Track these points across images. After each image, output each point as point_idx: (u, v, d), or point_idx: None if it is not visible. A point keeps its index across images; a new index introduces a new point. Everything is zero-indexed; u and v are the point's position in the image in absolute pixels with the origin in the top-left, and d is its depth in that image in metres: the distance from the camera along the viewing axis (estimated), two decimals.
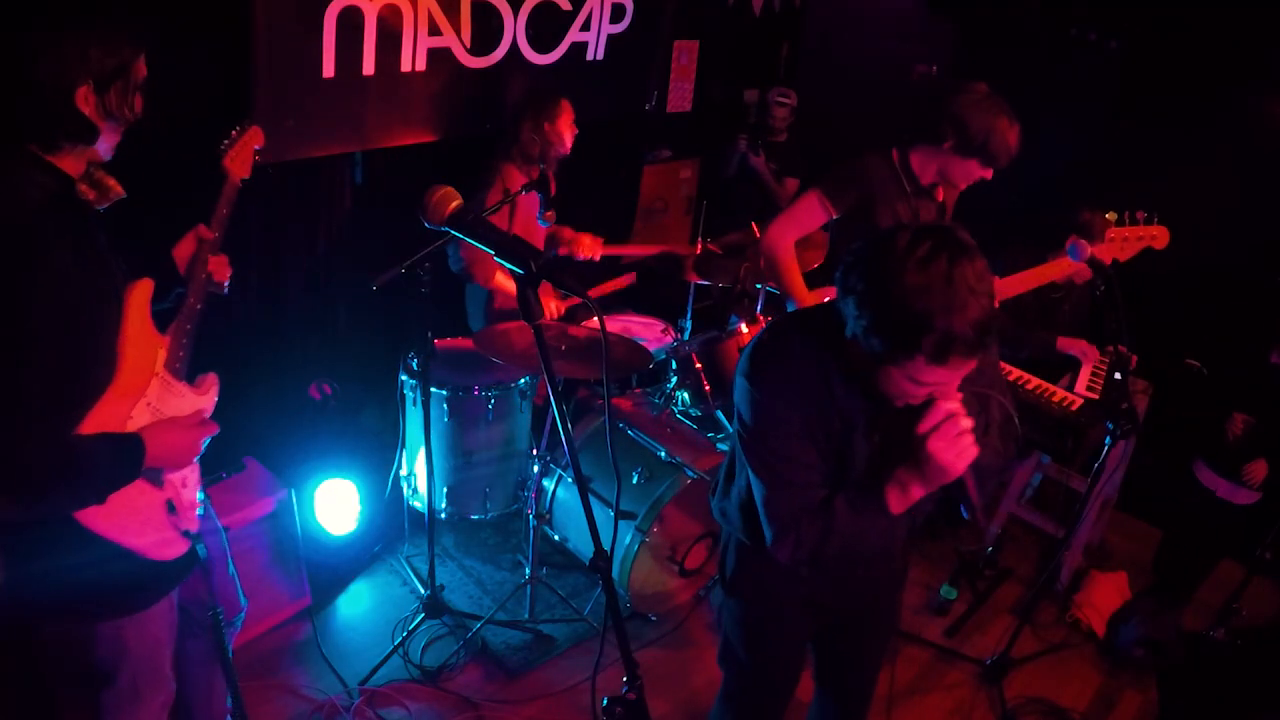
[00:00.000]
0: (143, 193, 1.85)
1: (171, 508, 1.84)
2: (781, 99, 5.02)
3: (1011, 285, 3.12)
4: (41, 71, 1.51)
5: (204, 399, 1.95)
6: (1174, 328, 4.07)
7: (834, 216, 2.95)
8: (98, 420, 1.67)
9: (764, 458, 1.80)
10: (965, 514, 1.75)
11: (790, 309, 3.05)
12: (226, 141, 2.16)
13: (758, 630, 2.22)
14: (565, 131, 3.45)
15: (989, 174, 2.89)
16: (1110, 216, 3.06)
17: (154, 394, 1.81)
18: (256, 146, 2.22)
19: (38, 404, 1.51)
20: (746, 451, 1.83)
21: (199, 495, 1.98)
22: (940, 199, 3.07)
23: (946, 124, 2.81)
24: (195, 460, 1.90)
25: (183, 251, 2.01)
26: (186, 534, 1.86)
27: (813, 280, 3.20)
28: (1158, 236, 3.04)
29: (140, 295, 1.77)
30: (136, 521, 1.78)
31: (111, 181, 1.72)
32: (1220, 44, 4.22)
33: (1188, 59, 4.31)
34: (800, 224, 3.01)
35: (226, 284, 2.10)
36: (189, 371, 1.93)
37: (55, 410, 1.56)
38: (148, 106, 1.70)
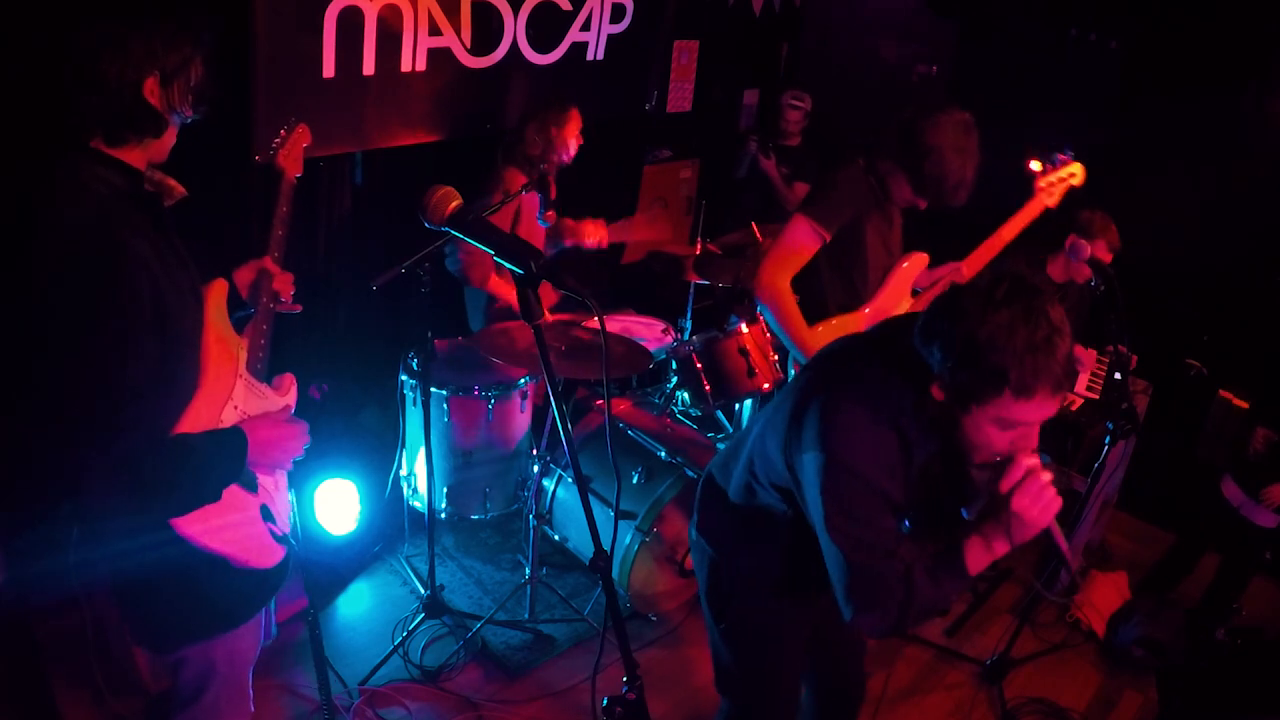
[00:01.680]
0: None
1: (266, 513, 1.80)
2: (795, 102, 4.92)
3: (976, 260, 3.04)
4: (106, 67, 1.50)
5: (285, 399, 1.94)
6: (1174, 328, 4.07)
7: (826, 241, 2.77)
8: (190, 423, 1.63)
9: (850, 531, 1.71)
10: (1058, 566, 1.79)
11: (786, 343, 2.88)
12: (277, 141, 2.19)
13: (760, 654, 2.18)
14: (571, 140, 3.44)
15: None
16: (1032, 167, 3.06)
17: (240, 397, 1.77)
18: (306, 144, 2.25)
19: (141, 395, 1.48)
20: (831, 527, 1.72)
21: (288, 500, 1.95)
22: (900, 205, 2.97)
23: (929, 187, 2.72)
24: (291, 464, 1.85)
25: (243, 278, 1.98)
26: (283, 540, 1.83)
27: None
28: (1075, 173, 3.06)
29: (218, 295, 1.77)
30: (236, 531, 1.73)
31: (171, 181, 1.72)
32: (1220, 44, 4.22)
33: (1187, 59, 4.31)
34: (793, 259, 2.78)
35: (293, 298, 2.07)
36: (268, 373, 1.92)
37: (159, 403, 1.54)
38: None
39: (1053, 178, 3.06)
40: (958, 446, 1.71)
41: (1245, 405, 3.82)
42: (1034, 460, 1.69)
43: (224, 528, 1.70)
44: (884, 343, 1.84)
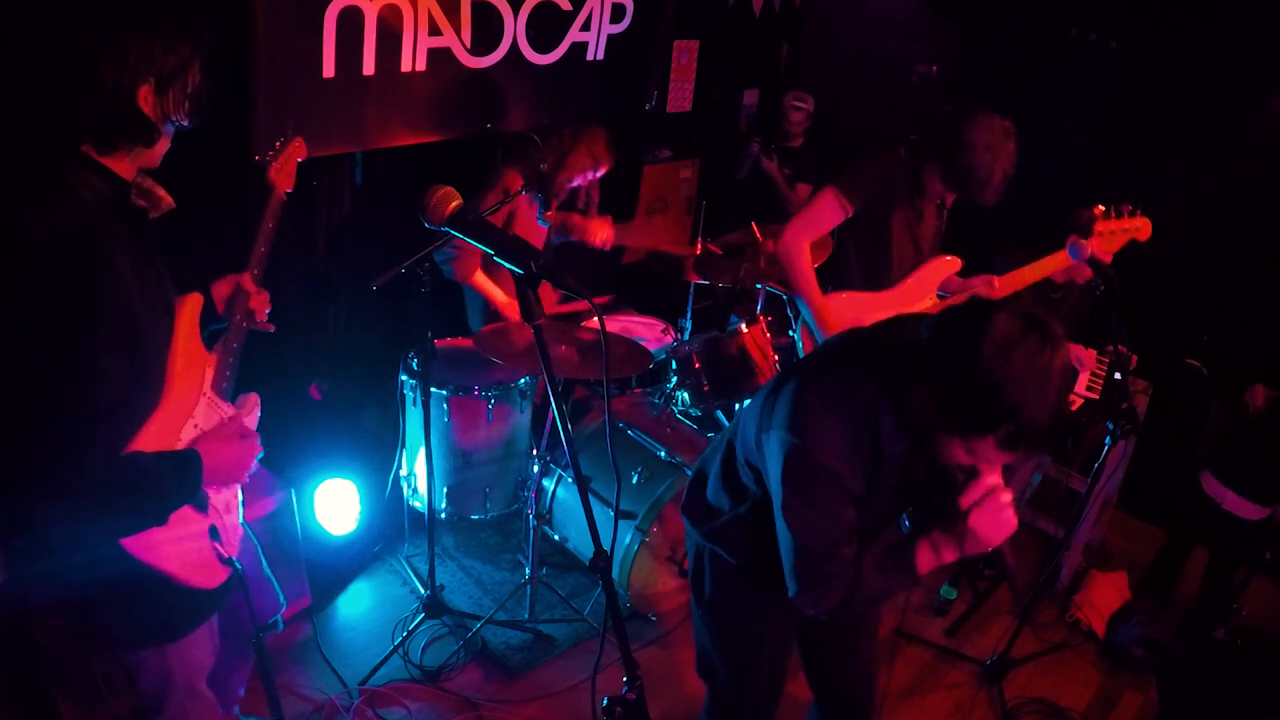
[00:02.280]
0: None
1: (214, 534, 1.77)
2: (798, 103, 4.91)
3: (1011, 283, 3.12)
4: (104, 70, 1.45)
5: (250, 418, 1.91)
6: (1174, 328, 4.07)
7: (850, 214, 2.94)
8: (148, 440, 1.60)
9: (803, 514, 1.75)
10: (1005, 576, 1.82)
11: (801, 306, 3.07)
12: (271, 153, 2.12)
13: (738, 643, 2.19)
14: (586, 173, 3.47)
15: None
16: (1098, 210, 3.06)
17: (200, 414, 1.74)
18: (300, 158, 2.18)
19: (106, 411, 1.44)
20: (785, 506, 1.76)
21: (240, 521, 1.92)
22: (939, 203, 3.11)
23: (958, 162, 2.81)
24: (246, 479, 1.82)
25: (220, 291, 1.95)
26: (228, 561, 1.79)
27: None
28: (1141, 228, 3.05)
29: (190, 311, 1.72)
30: (180, 548, 1.70)
31: (161, 191, 1.68)
32: (1220, 44, 4.22)
33: (1188, 59, 4.31)
34: (818, 225, 3.00)
35: (267, 319, 2.03)
36: (233, 392, 1.88)
37: (121, 418, 1.51)
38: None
39: (1115, 227, 3.02)
40: (926, 448, 1.72)
41: (1198, 364, 3.83)
42: (996, 479, 1.71)
43: (169, 545, 1.67)
44: (877, 340, 1.85)
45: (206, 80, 1.62)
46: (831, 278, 3.17)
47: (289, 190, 2.13)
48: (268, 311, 2.02)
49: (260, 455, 1.82)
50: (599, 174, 3.53)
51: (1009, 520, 1.73)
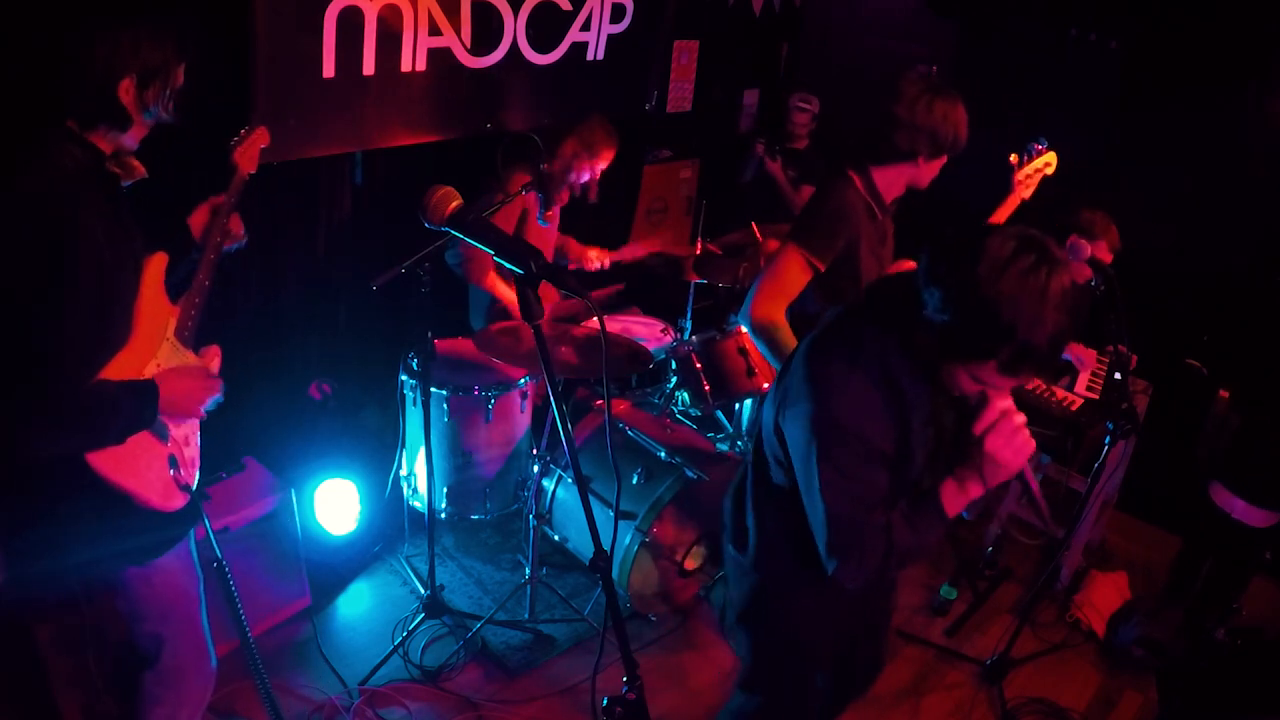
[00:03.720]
0: (155, 177, 1.96)
1: (173, 462, 1.95)
2: (803, 104, 4.90)
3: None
4: (97, 55, 1.65)
5: (208, 366, 2.11)
6: (1174, 328, 4.07)
7: (822, 271, 2.62)
8: (113, 373, 1.80)
9: (833, 480, 1.72)
10: (1029, 505, 1.79)
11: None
12: (236, 139, 2.31)
13: (794, 652, 2.17)
14: (597, 169, 3.45)
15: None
16: (1012, 160, 3.04)
17: (164, 356, 1.96)
18: (263, 145, 2.37)
19: (72, 348, 1.66)
20: (814, 478, 1.72)
21: (198, 453, 2.10)
22: (891, 211, 2.86)
23: (920, 137, 2.57)
24: (202, 412, 2.01)
25: (197, 220, 2.16)
26: (186, 488, 1.98)
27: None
28: (1050, 162, 3.05)
29: (156, 266, 1.93)
30: (142, 471, 1.89)
31: (135, 163, 1.88)
32: (1220, 44, 4.22)
33: (1188, 59, 4.31)
34: (786, 291, 2.63)
35: (244, 235, 2.25)
36: (195, 343, 2.08)
37: (86, 356, 1.71)
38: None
39: (1029, 169, 3.04)
40: (941, 388, 1.72)
41: (1198, 364, 3.80)
42: (1007, 402, 1.69)
43: (131, 467, 1.86)
44: (876, 300, 1.85)
45: (189, 83, 1.81)
46: (795, 308, 2.77)
47: (252, 172, 2.31)
48: (243, 229, 2.24)
49: (219, 398, 2.01)
50: (603, 164, 3.48)
51: (1026, 442, 1.69)
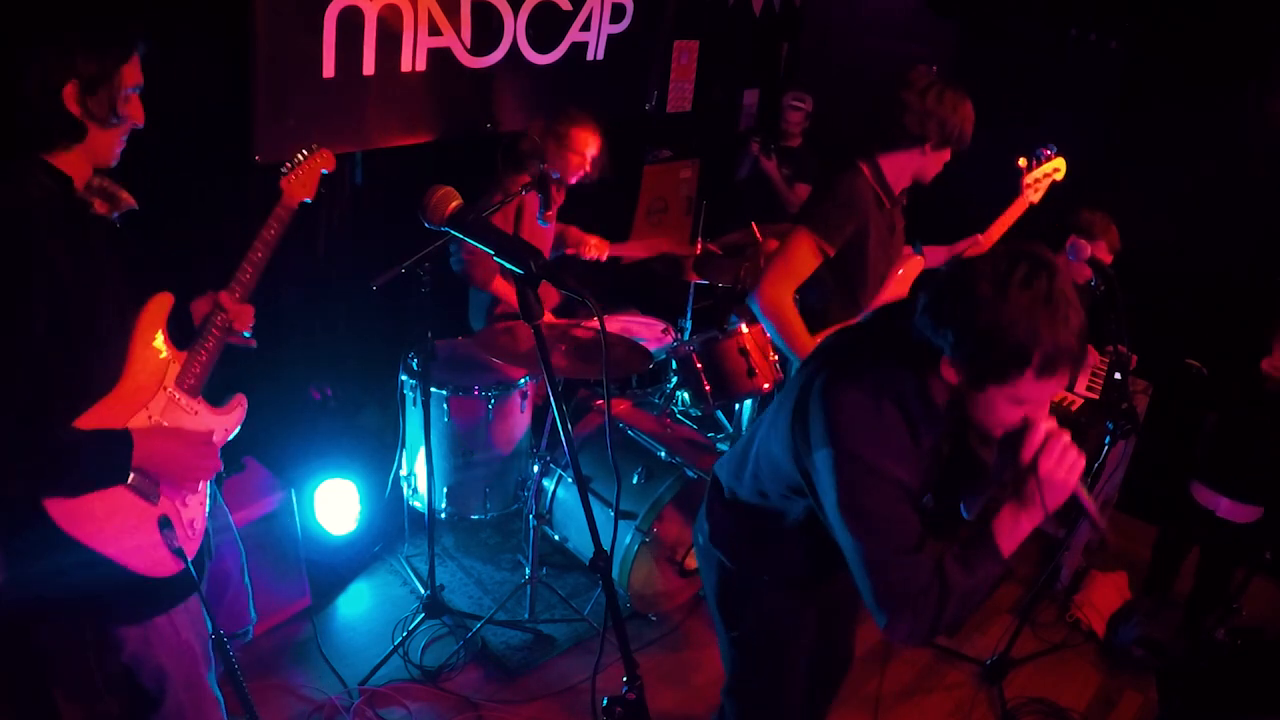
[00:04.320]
0: (150, 194, 1.86)
1: (165, 523, 1.78)
2: (796, 103, 4.92)
3: (994, 234, 3.06)
4: (31, 74, 1.56)
5: (225, 419, 1.93)
6: (1174, 328, 4.06)
7: (830, 256, 2.65)
8: (93, 421, 1.68)
9: (871, 526, 1.67)
10: (1086, 522, 1.76)
11: (792, 358, 2.79)
12: (289, 164, 2.10)
13: (775, 653, 2.17)
14: (571, 155, 3.40)
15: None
16: (1020, 164, 3.07)
17: (158, 408, 1.80)
18: (326, 170, 2.15)
19: (21, 388, 1.53)
20: (849, 526, 1.68)
21: (206, 517, 1.93)
22: (901, 202, 2.90)
23: (930, 123, 2.60)
24: (200, 484, 1.86)
25: (199, 308, 1.98)
26: (179, 553, 1.79)
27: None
28: (1059, 167, 3.07)
29: (156, 309, 1.80)
30: (122, 535, 1.73)
31: (124, 194, 1.76)
32: (1220, 44, 4.22)
33: (1187, 59, 4.31)
34: (797, 273, 2.67)
35: (248, 333, 2.03)
36: (219, 394, 1.93)
37: (40, 392, 1.57)
38: (150, 110, 1.71)
39: (1037, 173, 3.07)
40: (971, 426, 1.70)
41: (1197, 364, 3.79)
42: (1051, 423, 1.67)
43: (109, 530, 1.70)
44: (879, 329, 1.83)
45: (149, 82, 1.69)
46: (804, 299, 2.86)
47: (307, 200, 2.09)
48: (251, 325, 2.03)
49: (219, 474, 1.86)
50: (587, 150, 3.42)
51: (1078, 458, 1.67)
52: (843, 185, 2.69)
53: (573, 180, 3.47)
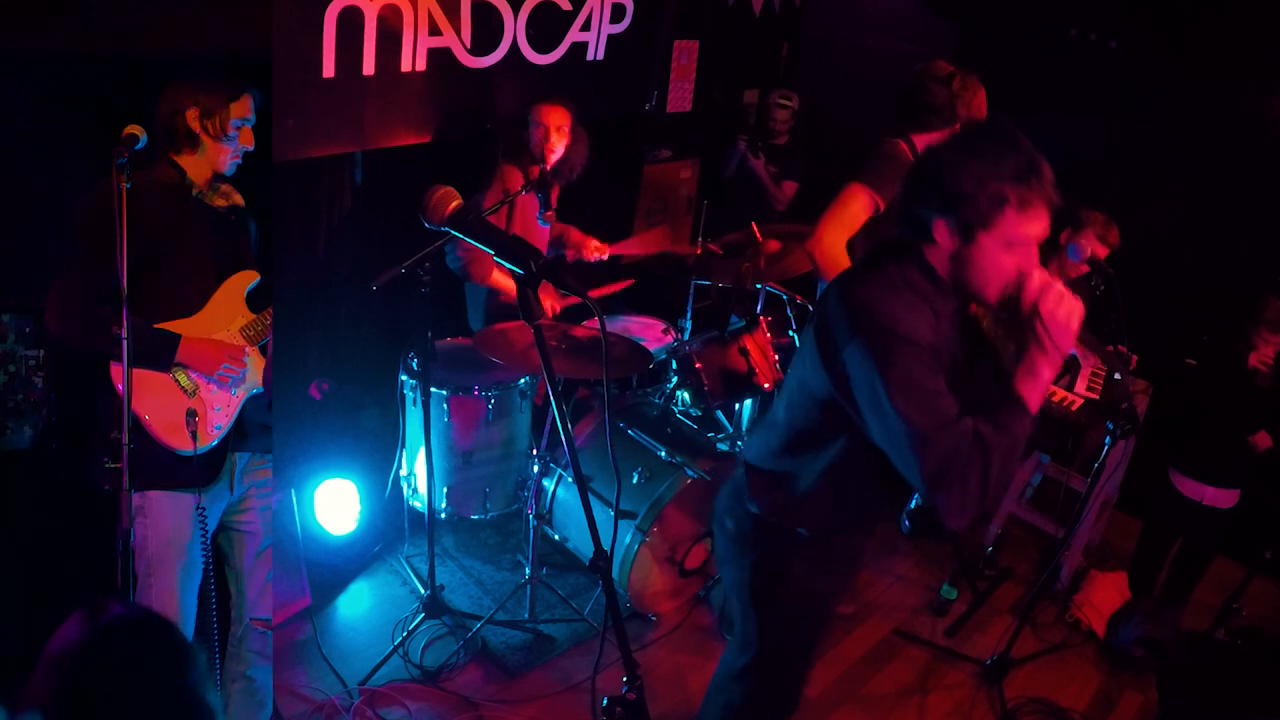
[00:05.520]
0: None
1: (191, 416, 2.27)
2: (783, 101, 4.95)
3: None
4: (163, 100, 2.28)
5: (260, 358, 2.45)
6: (1174, 328, 4.07)
7: (881, 209, 2.85)
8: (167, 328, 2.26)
9: (909, 396, 1.71)
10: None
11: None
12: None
13: (810, 621, 2.23)
14: (550, 134, 3.39)
15: None
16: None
17: (219, 338, 2.35)
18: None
19: (83, 262, 2.10)
20: (894, 403, 1.71)
21: (228, 427, 2.37)
22: None
23: (959, 107, 2.84)
24: (217, 372, 2.31)
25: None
26: (194, 436, 2.25)
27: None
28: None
29: (240, 279, 2.39)
30: (158, 407, 2.23)
31: (236, 196, 2.42)
32: (1220, 44, 4.22)
33: (1188, 59, 4.31)
34: (849, 224, 2.89)
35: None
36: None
37: (141, 296, 2.07)
38: None
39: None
40: (972, 292, 1.82)
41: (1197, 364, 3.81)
42: (1044, 273, 1.79)
43: (150, 399, 2.21)
44: (875, 250, 1.96)
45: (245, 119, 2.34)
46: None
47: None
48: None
49: (236, 372, 2.34)
50: (557, 126, 3.42)
51: (1075, 299, 1.78)
52: (888, 148, 2.93)
53: (551, 160, 3.43)
